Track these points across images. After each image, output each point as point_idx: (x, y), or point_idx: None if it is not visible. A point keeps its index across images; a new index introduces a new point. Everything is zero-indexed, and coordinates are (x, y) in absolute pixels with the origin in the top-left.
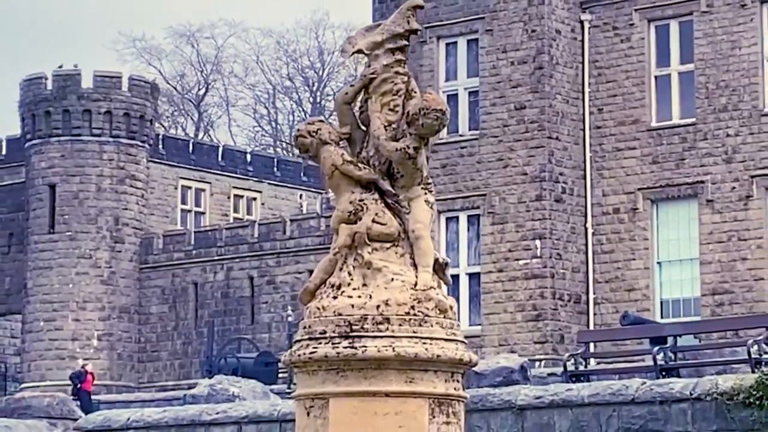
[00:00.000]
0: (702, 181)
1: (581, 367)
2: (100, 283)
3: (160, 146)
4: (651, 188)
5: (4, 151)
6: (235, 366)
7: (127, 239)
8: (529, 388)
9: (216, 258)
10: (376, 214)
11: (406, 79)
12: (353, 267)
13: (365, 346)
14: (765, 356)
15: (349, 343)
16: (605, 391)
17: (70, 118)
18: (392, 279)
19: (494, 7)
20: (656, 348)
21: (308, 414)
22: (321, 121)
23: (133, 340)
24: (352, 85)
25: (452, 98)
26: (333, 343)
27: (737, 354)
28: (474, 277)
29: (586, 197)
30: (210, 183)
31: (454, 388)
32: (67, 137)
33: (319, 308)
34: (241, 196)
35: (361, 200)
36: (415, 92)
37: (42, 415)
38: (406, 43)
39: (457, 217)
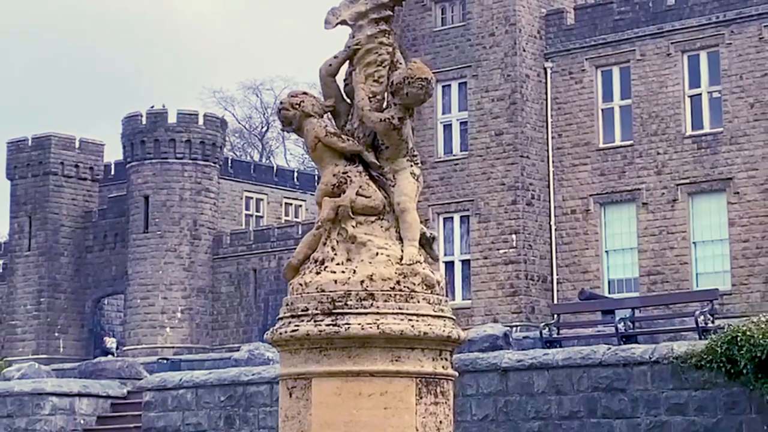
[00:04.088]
0: (639, 189)
1: (554, 335)
2: (182, 270)
3: (229, 167)
4: (599, 194)
5: (112, 172)
6: None
7: (203, 237)
8: (512, 353)
9: (270, 250)
10: (360, 187)
11: (390, 49)
12: (337, 241)
13: (348, 324)
14: (710, 325)
15: (332, 320)
16: (576, 355)
17: (159, 146)
18: (377, 253)
19: (478, 58)
20: (618, 318)
21: (290, 395)
22: (305, 93)
23: (208, 313)
24: (336, 57)
25: (447, 127)
26: (315, 321)
27: (685, 323)
28: (465, 263)
29: (550, 201)
30: (267, 194)
31: (443, 367)
32: (157, 160)
33: (301, 284)
34: (291, 204)
35: (344, 173)
36: (401, 63)
37: (114, 376)
38: (390, 13)
39: (452, 218)
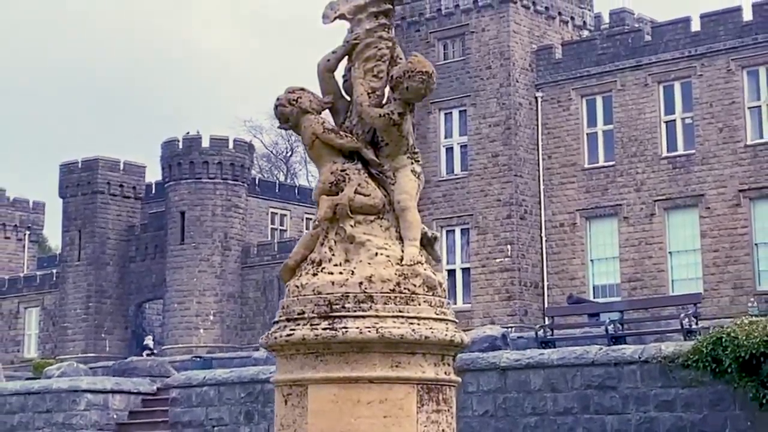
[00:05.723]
0: (620, 204)
1: (549, 336)
2: (214, 278)
3: (257, 186)
4: (585, 209)
5: (153, 191)
6: None
7: (233, 248)
8: (510, 353)
9: None
10: (359, 185)
11: (390, 44)
12: (335, 241)
13: (346, 328)
14: (695, 327)
15: (329, 324)
16: (570, 355)
17: (194, 167)
18: (376, 253)
19: (477, 88)
20: (608, 320)
21: (286, 402)
22: (302, 89)
23: (237, 316)
24: (334, 52)
25: (449, 150)
26: (312, 325)
27: (670, 325)
28: (466, 270)
29: (541, 216)
30: (290, 210)
31: (445, 373)
32: (192, 180)
33: (297, 286)
34: (311, 219)
35: (343, 170)
36: (401, 59)
37: (144, 374)
38: (390, 6)
39: (454, 230)
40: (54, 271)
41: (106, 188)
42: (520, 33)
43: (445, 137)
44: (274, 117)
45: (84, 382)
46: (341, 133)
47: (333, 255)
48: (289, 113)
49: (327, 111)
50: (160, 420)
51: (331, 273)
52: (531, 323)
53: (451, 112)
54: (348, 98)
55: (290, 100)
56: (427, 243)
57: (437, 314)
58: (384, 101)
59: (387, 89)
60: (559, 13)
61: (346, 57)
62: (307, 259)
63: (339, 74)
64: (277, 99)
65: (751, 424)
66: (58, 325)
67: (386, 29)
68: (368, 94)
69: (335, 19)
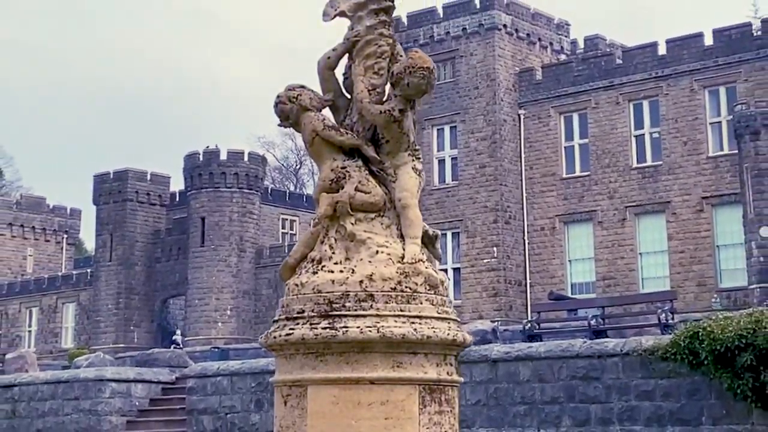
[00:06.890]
0: (595, 210)
1: (536, 330)
2: (231, 277)
3: (269, 194)
4: (564, 215)
5: (176, 199)
6: None
7: (248, 250)
8: (500, 346)
9: None
10: (360, 182)
11: (390, 41)
12: (335, 239)
13: (346, 327)
14: (671, 322)
15: (329, 323)
16: (556, 348)
17: (213, 177)
18: (377, 252)
19: (466, 106)
20: (591, 316)
21: (285, 403)
22: (302, 87)
23: (251, 311)
24: (334, 50)
25: (441, 162)
26: (311, 324)
27: (648, 320)
28: (456, 270)
29: (524, 221)
30: (299, 216)
31: (447, 373)
32: (211, 189)
33: (297, 285)
34: None
35: (343, 168)
36: (401, 56)
37: (164, 365)
38: (390, 3)
39: (445, 234)
40: (89, 270)
41: (134, 196)
42: (505, 57)
43: (438, 150)
44: (284, 134)
45: (109, 371)
46: (341, 130)
47: (333, 253)
48: (289, 111)
49: (327, 109)
50: (178, 407)
51: (332, 271)
52: (516, 317)
53: (443, 128)
54: (348, 96)
55: (290, 98)
56: (429, 241)
57: (439, 313)
58: (385, 98)
59: (388, 86)
60: (539, 39)
61: (347, 54)
62: (307, 258)
63: (339, 72)
64: (278, 96)
65: (726, 413)
66: (92, 319)
67: (387, 26)
68: (369, 91)
69: (335, 16)
